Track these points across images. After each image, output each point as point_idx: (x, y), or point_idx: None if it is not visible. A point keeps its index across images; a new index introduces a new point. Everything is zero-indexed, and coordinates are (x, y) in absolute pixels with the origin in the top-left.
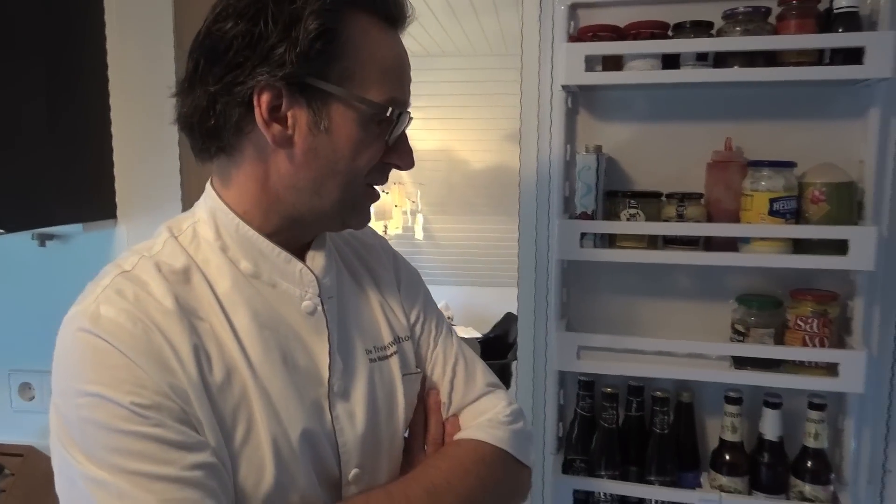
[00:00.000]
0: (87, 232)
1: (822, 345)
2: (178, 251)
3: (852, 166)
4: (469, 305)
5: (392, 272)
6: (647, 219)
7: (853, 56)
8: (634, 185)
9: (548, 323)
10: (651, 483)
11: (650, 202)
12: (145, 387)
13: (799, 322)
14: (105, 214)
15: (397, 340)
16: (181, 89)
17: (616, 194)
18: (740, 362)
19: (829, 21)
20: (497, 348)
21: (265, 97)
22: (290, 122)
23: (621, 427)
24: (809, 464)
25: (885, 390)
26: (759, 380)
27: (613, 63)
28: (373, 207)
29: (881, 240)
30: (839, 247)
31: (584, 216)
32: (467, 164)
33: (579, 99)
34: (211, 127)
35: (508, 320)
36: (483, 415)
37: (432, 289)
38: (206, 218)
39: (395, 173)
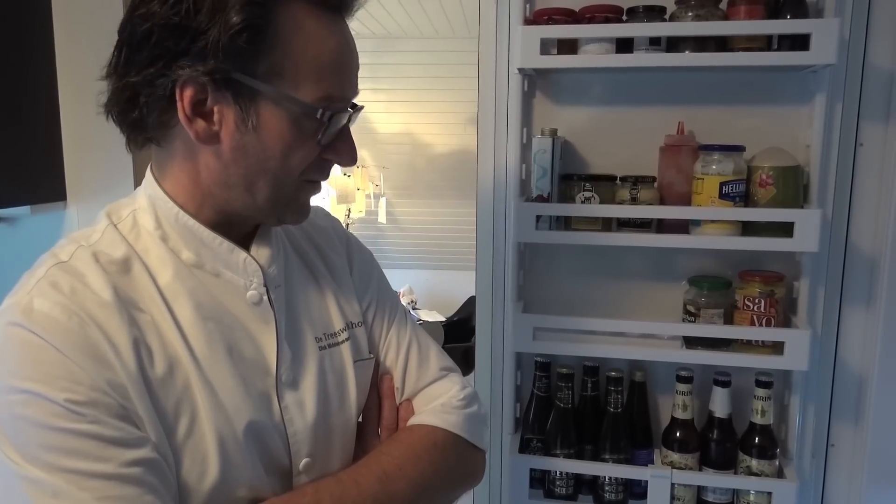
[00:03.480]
0: (35, 215)
1: (768, 324)
2: (117, 240)
3: (799, 150)
4: (433, 289)
5: (344, 256)
6: (602, 201)
7: (800, 42)
8: (589, 168)
9: (505, 305)
10: (605, 461)
11: (604, 185)
12: (80, 383)
13: (747, 302)
14: (54, 197)
15: (349, 326)
16: (106, 75)
17: (571, 177)
18: (691, 342)
19: (777, 8)
20: (461, 331)
21: (188, 92)
22: (215, 118)
23: (577, 407)
24: (756, 439)
25: (828, 368)
26: (709, 359)
27: (568, 47)
28: (335, 191)
29: (825, 222)
30: (786, 229)
31: (540, 199)
32: (431, 148)
33: (536, 82)
34: (135, 119)
35: (472, 304)
36: (436, 399)
37: (396, 273)
38: (146, 206)
39: (358, 156)
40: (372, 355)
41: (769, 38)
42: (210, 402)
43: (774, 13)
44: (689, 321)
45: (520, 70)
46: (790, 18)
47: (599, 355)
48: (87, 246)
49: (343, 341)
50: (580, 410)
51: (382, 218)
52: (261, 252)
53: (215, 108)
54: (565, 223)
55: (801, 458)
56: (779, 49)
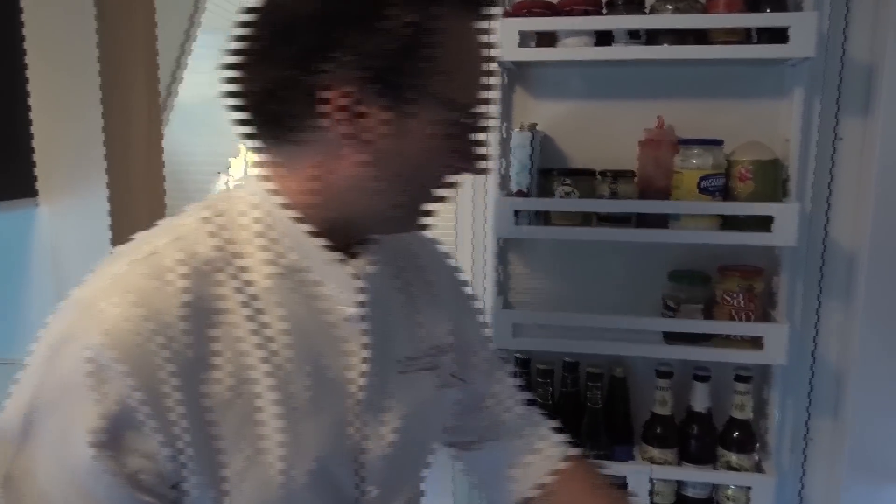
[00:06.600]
0: (3, 212)
1: (747, 319)
2: (209, 237)
3: (778, 144)
4: None
5: (441, 276)
6: (581, 196)
7: (779, 36)
8: (569, 162)
9: (485, 301)
10: (585, 457)
11: (584, 180)
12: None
13: (726, 297)
14: (23, 193)
15: (437, 351)
16: (237, 64)
17: (550, 172)
18: (671, 337)
19: (756, 1)
20: None
21: (339, 90)
22: (364, 118)
23: (556, 403)
24: (736, 434)
25: (806, 362)
26: (688, 354)
27: (548, 40)
28: None
29: (804, 216)
30: (765, 223)
31: (519, 194)
32: None
33: (515, 76)
34: (272, 113)
35: None
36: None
37: None
38: (249, 202)
39: None
40: (459, 381)
41: (749, 31)
42: (281, 421)
43: (754, 6)
44: (669, 316)
45: (499, 63)
46: (769, 12)
47: (579, 351)
48: (175, 239)
49: (429, 366)
50: (560, 406)
51: None
52: (363, 265)
53: (365, 109)
54: (545, 218)
55: (780, 452)
56: (758, 43)
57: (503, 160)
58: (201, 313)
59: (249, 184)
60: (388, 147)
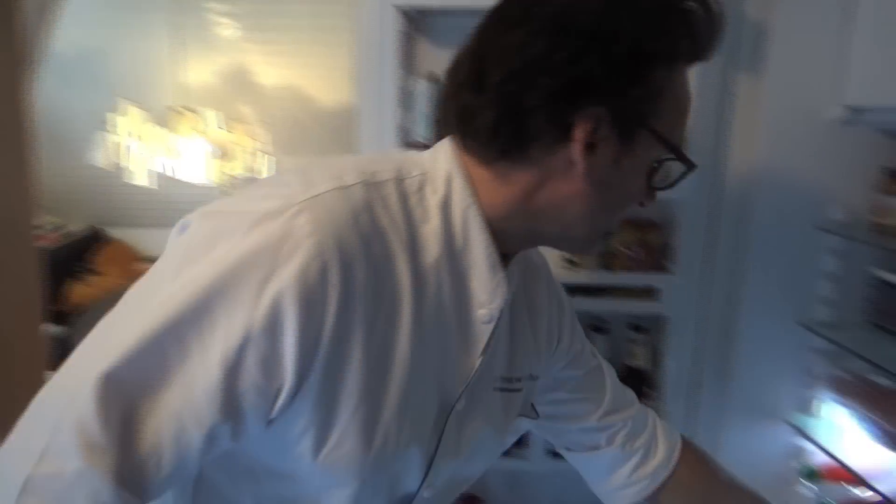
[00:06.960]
0: None
1: (643, 270)
2: (398, 197)
3: None
4: None
5: (552, 307)
6: None
7: None
8: None
9: None
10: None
11: None
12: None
13: (623, 249)
14: None
15: (529, 377)
16: (474, 86)
17: None
18: (569, 289)
19: None
20: None
21: (589, 125)
22: (596, 150)
23: None
24: (630, 382)
25: (694, 311)
26: (586, 306)
27: None
28: (212, 146)
29: (699, 171)
30: None
31: (420, 145)
32: (316, 102)
33: (418, 24)
34: (509, 136)
35: None
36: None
37: None
38: (442, 177)
39: (236, 110)
40: (533, 412)
41: None
42: (402, 395)
43: None
44: (569, 269)
45: (398, 8)
46: None
47: None
48: (370, 184)
49: (518, 390)
50: None
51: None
52: (512, 275)
53: (600, 143)
54: None
55: (673, 398)
56: None
57: (406, 112)
58: (377, 264)
59: (444, 159)
60: (607, 178)
